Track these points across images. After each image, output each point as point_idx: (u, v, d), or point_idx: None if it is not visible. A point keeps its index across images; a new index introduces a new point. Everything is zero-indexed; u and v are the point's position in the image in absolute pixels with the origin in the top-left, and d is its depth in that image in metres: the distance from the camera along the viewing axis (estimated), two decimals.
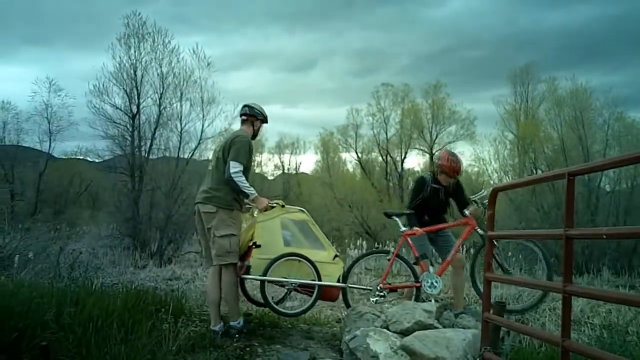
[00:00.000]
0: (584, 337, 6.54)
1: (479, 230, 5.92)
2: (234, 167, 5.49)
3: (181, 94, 15.34)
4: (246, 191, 5.53)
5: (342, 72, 43.18)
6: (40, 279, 6.82)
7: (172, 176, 14.95)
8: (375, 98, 23.96)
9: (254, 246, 5.62)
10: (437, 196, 6.30)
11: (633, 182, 17.79)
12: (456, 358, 4.35)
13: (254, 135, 5.99)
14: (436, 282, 5.96)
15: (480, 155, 22.18)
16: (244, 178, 5.52)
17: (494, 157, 20.66)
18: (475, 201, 6.09)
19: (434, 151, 23.49)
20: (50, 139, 20.09)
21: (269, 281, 5.58)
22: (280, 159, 26.86)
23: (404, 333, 4.81)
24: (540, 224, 15.96)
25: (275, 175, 27.94)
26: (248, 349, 5.01)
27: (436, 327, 4.90)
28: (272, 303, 5.74)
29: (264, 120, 6.02)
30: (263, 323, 5.79)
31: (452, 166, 6.19)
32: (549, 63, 35.59)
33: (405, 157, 24.09)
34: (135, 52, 14.96)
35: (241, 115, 6.02)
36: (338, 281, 5.81)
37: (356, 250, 13.85)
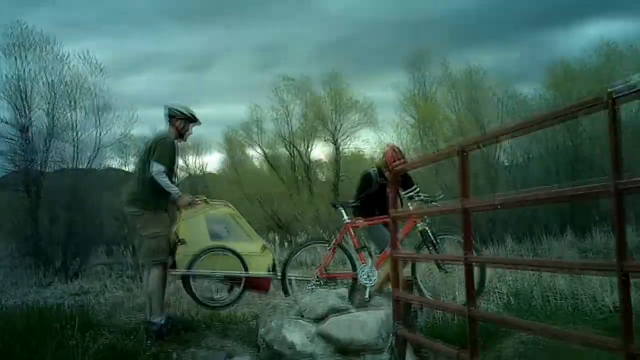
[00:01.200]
0: (493, 305, 6.79)
1: (418, 225, 5.95)
2: (156, 167, 5.58)
3: (74, 103, 14.69)
4: (169, 190, 5.62)
5: (243, 69, 42.72)
6: None
7: (70, 188, 14.32)
8: (276, 92, 23.91)
9: (179, 243, 5.64)
10: (384, 191, 6.17)
11: (528, 155, 18.68)
12: (372, 339, 4.44)
13: (180, 135, 5.94)
14: (372, 274, 5.98)
15: (384, 141, 22.65)
16: (166, 178, 5.66)
17: (397, 141, 21.12)
18: (411, 197, 6.18)
19: (337, 139, 23.76)
20: None
21: (195, 275, 5.64)
22: (184, 161, 26.27)
23: (319, 320, 4.85)
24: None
25: (180, 178, 27.31)
26: (162, 354, 4.90)
27: (350, 312, 4.97)
28: (199, 298, 5.84)
29: (188, 118, 5.96)
30: (176, 327, 5.65)
31: (394, 162, 6.20)
32: (442, 47, 36.69)
33: (310, 149, 24.20)
34: (21, 62, 14.17)
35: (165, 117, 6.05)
36: (268, 272, 5.84)
37: (269, 243, 13.82)
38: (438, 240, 5.87)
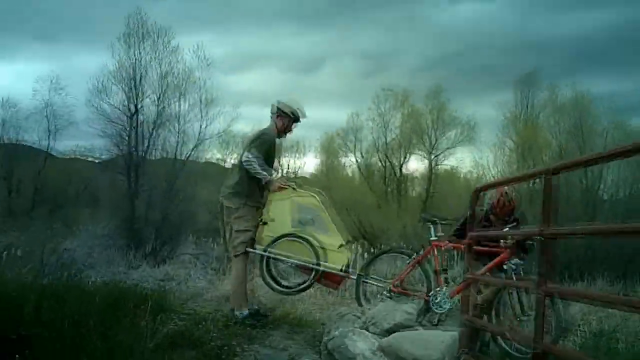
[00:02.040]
0: (570, 343, 6.48)
1: (508, 263, 5.27)
2: (246, 155, 5.84)
3: (180, 94, 15.30)
4: (258, 174, 5.81)
5: (350, 74, 42.98)
6: (25, 276, 6.80)
7: (169, 177, 14.88)
8: (376, 102, 23.99)
9: (261, 223, 5.91)
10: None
11: (631, 189, 17.77)
12: (434, 359, 4.32)
13: (282, 131, 6.09)
14: (445, 300, 5.52)
15: (480, 162, 22.19)
16: (256, 164, 5.80)
17: (493, 163, 20.67)
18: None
19: (432, 155, 23.55)
20: (49, 138, 20.10)
21: (268, 257, 5.76)
22: (279, 161, 26.77)
23: (384, 334, 4.79)
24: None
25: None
26: (226, 347, 4.98)
27: (416, 329, 4.88)
28: (270, 280, 5.99)
29: (288, 116, 6.11)
30: (244, 322, 5.74)
31: (503, 207, 5.72)
32: (555, 70, 35.42)
33: (404, 162, 24.09)
34: (135, 51, 14.93)
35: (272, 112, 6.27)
36: (341, 270, 5.84)
37: (352, 254, 13.74)
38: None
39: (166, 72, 15.20)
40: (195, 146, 15.81)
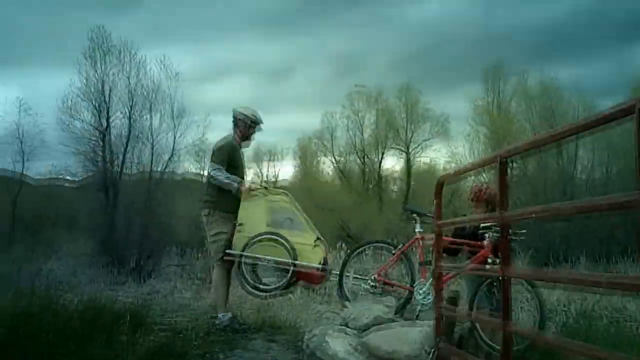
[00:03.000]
0: (552, 324, 6.54)
1: (489, 260, 5.09)
2: (211, 168, 6.01)
3: (150, 107, 15.23)
4: (227, 181, 5.91)
5: (321, 77, 43.02)
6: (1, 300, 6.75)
7: (146, 190, 14.81)
8: (349, 100, 24.07)
9: (237, 225, 5.94)
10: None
11: (607, 169, 18.02)
12: (414, 352, 4.35)
13: (243, 137, 6.18)
14: (429, 292, 5.37)
15: (456, 152, 22.41)
16: (222, 173, 5.92)
17: (469, 152, 20.86)
18: (489, 227, 5.52)
19: (409, 150, 23.68)
20: (23, 159, 19.89)
21: (245, 257, 5.80)
22: (258, 167, 26.73)
23: (364, 329, 4.81)
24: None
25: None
26: (208, 355, 4.99)
27: (395, 322, 4.90)
28: (248, 281, 5.98)
29: (247, 121, 6.18)
30: (225, 328, 5.74)
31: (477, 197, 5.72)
32: (522, 59, 35.77)
33: (382, 158, 24.19)
34: (101, 66, 14.83)
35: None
36: (319, 264, 5.86)
37: (337, 253, 13.80)
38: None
39: (134, 85, 15.11)
40: (170, 158, 15.72)
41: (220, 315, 5.90)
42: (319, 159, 25.21)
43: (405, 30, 41.54)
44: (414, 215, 5.79)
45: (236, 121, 6.28)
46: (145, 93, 15.20)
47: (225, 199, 6.03)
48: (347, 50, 43.84)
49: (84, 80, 14.79)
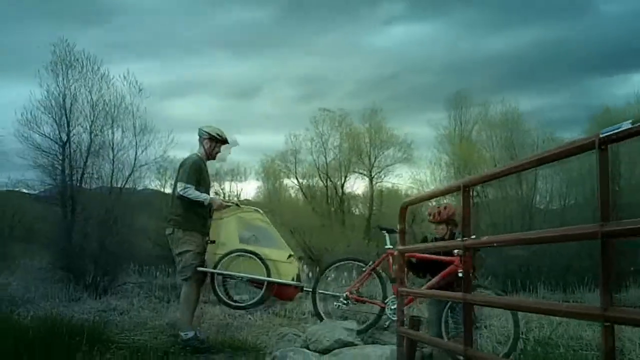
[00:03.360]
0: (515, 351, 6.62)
1: (460, 273, 5.06)
2: (180, 186, 5.95)
3: (112, 121, 15.05)
4: (199, 199, 5.92)
5: (287, 99, 43.22)
6: None
7: (106, 205, 14.57)
8: (314, 123, 24.25)
9: (209, 242, 6.01)
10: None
11: (565, 200, 18.45)
12: None
13: (210, 155, 6.20)
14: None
15: (418, 178, 22.74)
16: (193, 191, 5.92)
17: (430, 179, 21.18)
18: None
19: (373, 174, 23.92)
20: None
21: (219, 274, 5.77)
22: (220, 186, 26.62)
23: (325, 351, 4.81)
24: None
25: None
26: None
27: (356, 345, 4.92)
28: (223, 297, 6.11)
29: (214, 139, 6.20)
30: (185, 349, 5.67)
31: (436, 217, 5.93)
32: (485, 88, 36.56)
33: (345, 181, 24.39)
34: (63, 79, 14.59)
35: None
36: (292, 280, 5.88)
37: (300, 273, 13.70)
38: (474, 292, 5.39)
39: (96, 99, 14.92)
40: (131, 173, 15.53)
41: (183, 333, 5.83)
42: (281, 180, 25.26)
43: (371, 56, 42.11)
44: (384, 232, 5.95)
45: (201, 139, 6.30)
46: (107, 108, 15.02)
47: (190, 218, 6.03)
48: (314, 73, 44.22)
49: (45, 93, 14.53)
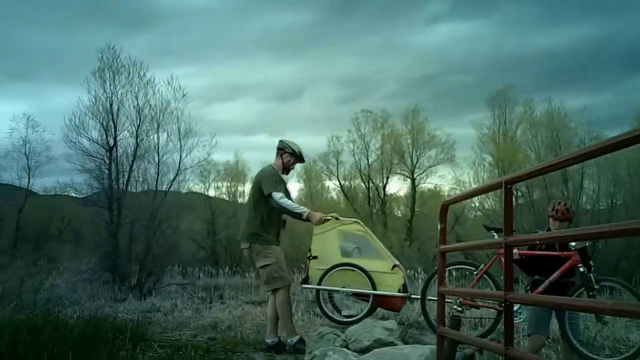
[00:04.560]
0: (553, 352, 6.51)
1: (580, 268, 5.09)
2: (275, 196, 5.83)
3: (158, 126, 15.32)
4: (297, 211, 5.90)
5: (329, 101, 43.47)
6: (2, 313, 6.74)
7: (151, 208, 14.81)
8: (355, 125, 24.25)
9: (310, 258, 5.96)
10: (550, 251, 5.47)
11: (612, 200, 18.01)
12: None
13: (285, 168, 6.22)
14: (520, 309, 5.37)
15: (460, 178, 22.48)
16: (289, 201, 5.91)
17: (473, 179, 20.89)
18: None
19: (414, 175, 23.77)
20: (29, 175, 20.02)
21: (324, 289, 5.73)
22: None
23: (364, 351, 4.79)
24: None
25: None
26: None
27: (396, 345, 4.89)
28: (328, 312, 6.06)
29: (294, 154, 6.15)
30: (225, 347, 5.72)
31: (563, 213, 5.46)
32: (531, 86, 36.03)
33: (387, 183, 24.31)
34: (110, 85, 14.94)
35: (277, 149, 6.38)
36: (399, 291, 5.80)
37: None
38: (598, 286, 5.05)
39: (142, 104, 15.23)
40: (175, 176, 15.77)
41: (289, 339, 5.90)
42: (323, 182, 25.31)
43: (414, 56, 41.96)
44: (492, 232, 5.72)
45: (281, 152, 6.24)
46: (152, 112, 15.32)
47: (267, 230, 5.96)
48: (356, 75, 44.29)
49: (92, 99, 14.92)
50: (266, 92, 49.80)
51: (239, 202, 25.25)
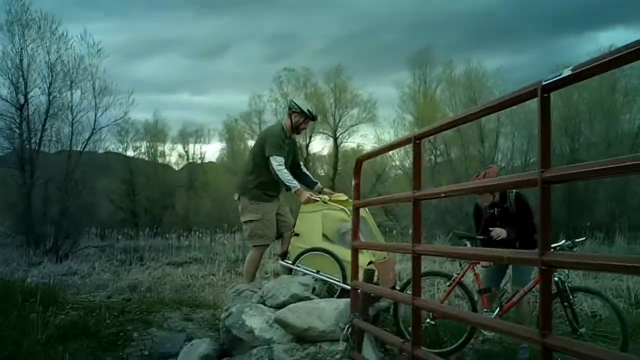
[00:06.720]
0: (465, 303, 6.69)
1: (556, 275, 4.80)
2: (274, 161, 5.70)
3: (71, 83, 14.76)
4: (288, 184, 5.69)
5: (255, 58, 42.73)
6: None
7: (66, 168, 14.35)
8: (278, 83, 24.06)
9: (293, 234, 5.81)
10: (496, 218, 5.38)
11: (526, 158, 18.76)
12: (328, 327, 4.39)
13: (295, 129, 5.98)
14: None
15: (382, 137, 22.83)
16: (286, 171, 5.71)
17: (395, 138, 21.20)
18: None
19: (337, 134, 23.94)
20: None
21: (298, 270, 5.61)
22: (184, 148, 26.35)
23: (280, 307, 4.82)
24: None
25: (180, 165, 27.31)
26: (122, 334, 4.89)
27: (311, 299, 4.94)
28: None
29: (303, 114, 5.95)
30: (140, 308, 5.63)
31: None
32: (454, 46, 36.55)
33: (310, 142, 24.36)
34: (19, 39, 14.22)
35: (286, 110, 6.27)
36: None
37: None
38: (574, 295, 4.82)
39: (54, 60, 14.59)
40: (91, 136, 15.33)
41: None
42: (246, 141, 25.11)
43: (339, 15, 41.73)
44: (464, 240, 5.57)
45: (290, 112, 6.09)
46: (65, 69, 14.72)
47: (260, 187, 5.82)
48: (280, 32, 43.70)
49: (0, 54, 14.18)
50: (188, 48, 48.50)
51: (159, 162, 24.77)
